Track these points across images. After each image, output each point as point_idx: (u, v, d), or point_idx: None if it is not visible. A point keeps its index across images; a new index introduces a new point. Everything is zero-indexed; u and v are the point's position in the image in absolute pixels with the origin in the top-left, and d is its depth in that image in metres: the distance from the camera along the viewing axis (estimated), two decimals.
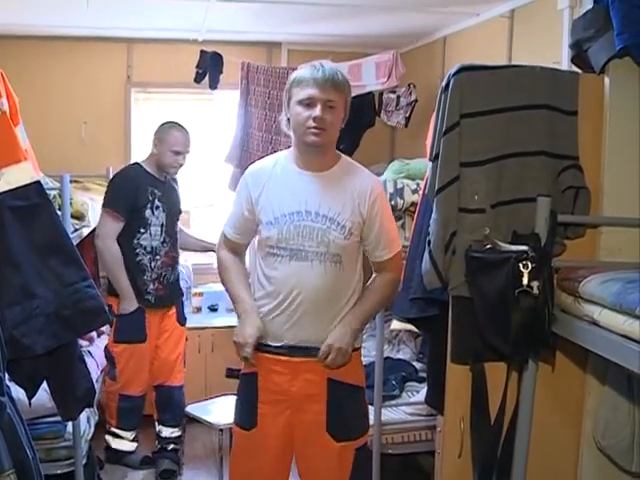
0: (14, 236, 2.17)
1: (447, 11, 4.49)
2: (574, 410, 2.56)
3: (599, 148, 2.44)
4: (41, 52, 5.52)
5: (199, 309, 5.72)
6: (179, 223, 4.51)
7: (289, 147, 2.69)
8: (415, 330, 3.19)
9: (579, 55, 2.57)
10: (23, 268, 2.17)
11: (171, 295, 4.38)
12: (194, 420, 4.35)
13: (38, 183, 2.25)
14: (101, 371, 4.43)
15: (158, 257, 4.24)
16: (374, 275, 2.75)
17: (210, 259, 5.91)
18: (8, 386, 1.94)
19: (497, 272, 2.14)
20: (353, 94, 4.73)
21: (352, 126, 4.97)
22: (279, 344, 2.60)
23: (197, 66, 5.33)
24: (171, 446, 4.55)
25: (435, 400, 2.75)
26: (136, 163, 4.37)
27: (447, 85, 2.37)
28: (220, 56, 5.30)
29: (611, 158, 2.42)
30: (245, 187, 2.69)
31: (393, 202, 3.65)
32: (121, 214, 4.08)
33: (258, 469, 2.70)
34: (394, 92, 5.04)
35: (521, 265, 2.08)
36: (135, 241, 4.15)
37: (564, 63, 3.28)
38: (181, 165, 4.34)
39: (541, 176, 2.36)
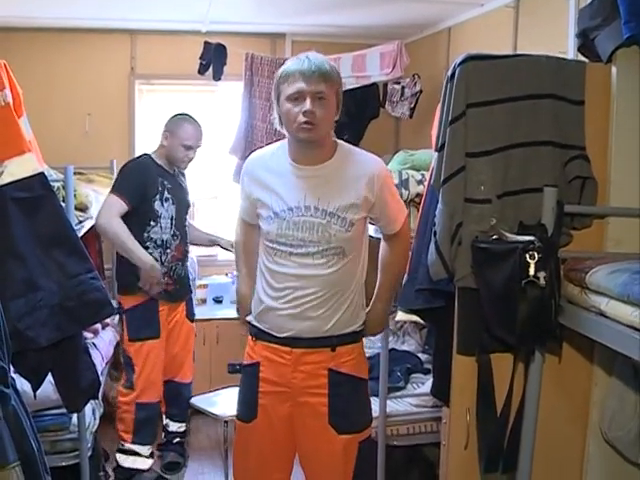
0: (18, 228, 2.17)
1: (452, 1, 4.48)
2: (580, 401, 2.55)
3: (606, 138, 2.42)
4: (45, 44, 5.51)
5: (204, 301, 5.73)
6: (187, 217, 4.41)
7: None
8: (420, 321, 3.17)
9: (585, 44, 2.55)
10: (27, 260, 2.17)
11: (180, 290, 4.27)
12: (199, 412, 4.36)
13: (42, 175, 2.25)
14: (106, 363, 4.43)
15: (169, 251, 4.13)
16: (385, 244, 2.78)
17: (214, 251, 5.94)
18: (13, 378, 1.93)
19: (503, 263, 2.13)
20: (357, 85, 4.76)
21: (356, 117, 5.03)
22: (282, 335, 2.59)
23: (201, 57, 5.32)
24: (177, 439, 4.53)
25: (441, 392, 2.74)
26: (146, 154, 4.23)
27: (453, 75, 2.36)
28: (224, 47, 5.29)
29: (618, 148, 2.41)
30: (244, 182, 2.72)
31: (398, 193, 3.64)
32: (127, 198, 3.90)
33: (259, 461, 2.71)
34: (398, 83, 5.03)
35: (527, 256, 2.07)
36: (145, 234, 4.02)
37: (570, 53, 3.27)
38: (191, 159, 4.29)
39: (547, 166, 2.35)
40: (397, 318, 3.12)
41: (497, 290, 2.20)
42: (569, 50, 3.31)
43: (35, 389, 2.34)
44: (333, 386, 2.59)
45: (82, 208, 3.75)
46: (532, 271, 2.06)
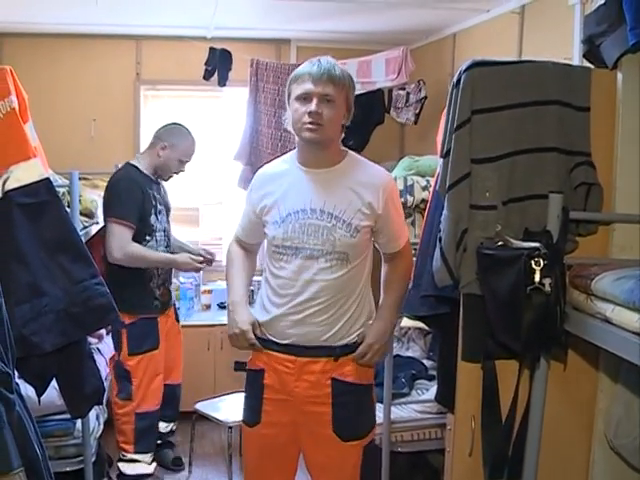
0: (23, 233, 2.17)
1: (457, 7, 4.48)
2: (586, 409, 2.54)
3: (611, 144, 2.42)
4: (51, 50, 5.54)
5: (208, 307, 5.73)
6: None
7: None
8: (425, 328, 3.18)
9: (591, 50, 2.55)
10: (32, 266, 2.17)
11: (170, 297, 4.26)
12: (203, 417, 4.36)
13: (47, 180, 2.25)
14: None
15: (164, 236, 4.11)
16: (387, 265, 2.76)
17: (219, 256, 5.93)
18: (17, 384, 1.93)
19: (509, 269, 2.13)
20: (363, 91, 4.77)
21: (361, 123, 5.02)
22: (286, 342, 2.59)
23: (206, 63, 5.34)
24: (170, 438, 4.59)
25: (445, 398, 2.74)
26: (130, 164, 4.08)
27: (458, 81, 2.36)
28: (229, 53, 5.30)
29: (623, 154, 2.40)
30: (250, 191, 2.73)
31: (403, 199, 3.64)
32: (132, 222, 3.83)
33: (263, 464, 2.73)
34: (404, 89, 5.04)
35: (533, 262, 2.07)
36: None
37: (575, 59, 3.27)
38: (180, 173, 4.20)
39: (553, 173, 2.35)
40: (402, 324, 3.12)
41: (502, 297, 2.19)
42: (574, 56, 3.31)
43: (39, 394, 2.34)
44: (337, 396, 2.58)
45: (87, 213, 3.75)
46: (537, 278, 2.06)
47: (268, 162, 2.81)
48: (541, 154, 2.36)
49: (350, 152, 2.66)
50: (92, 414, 3.52)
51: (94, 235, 3.91)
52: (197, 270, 4.26)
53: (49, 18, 4.97)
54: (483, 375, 2.40)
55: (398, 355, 4.44)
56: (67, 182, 3.26)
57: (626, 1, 2.25)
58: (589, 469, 2.55)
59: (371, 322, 2.67)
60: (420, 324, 2.98)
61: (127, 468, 4.13)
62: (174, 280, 4.33)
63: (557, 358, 2.36)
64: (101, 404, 3.41)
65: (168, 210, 4.21)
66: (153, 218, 3.98)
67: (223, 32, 5.42)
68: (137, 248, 3.84)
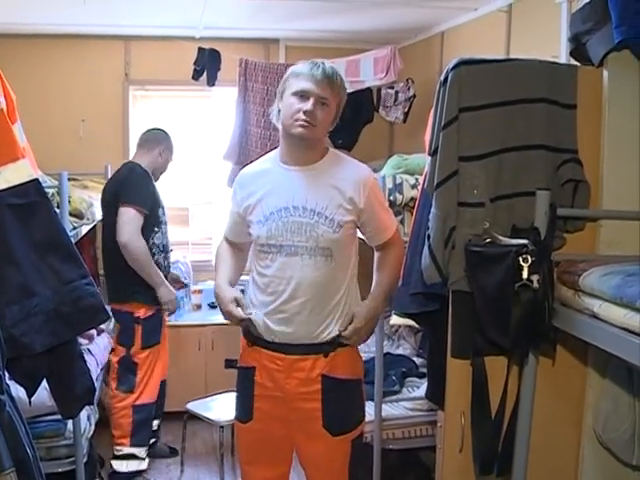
0: (13, 234, 2.16)
1: (445, 6, 4.49)
2: (575, 404, 2.56)
3: (598, 141, 2.43)
4: (39, 50, 5.52)
5: (199, 306, 5.73)
6: None
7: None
8: (415, 325, 3.18)
9: (577, 48, 2.56)
10: (22, 266, 2.17)
11: None
12: (194, 417, 4.36)
13: (36, 181, 2.24)
14: (101, 369, 4.42)
15: (169, 255, 4.35)
16: (378, 253, 2.78)
17: (209, 256, 5.94)
18: (8, 384, 1.93)
19: (497, 266, 2.14)
20: (351, 90, 4.77)
21: (350, 122, 5.04)
22: (274, 340, 2.60)
23: (195, 63, 5.34)
24: (159, 434, 4.70)
25: (436, 395, 2.75)
26: (134, 163, 4.27)
27: (445, 79, 2.37)
28: (218, 53, 5.31)
29: (610, 151, 2.42)
30: (234, 193, 2.76)
31: (392, 197, 3.65)
32: (145, 209, 4.05)
33: (257, 458, 2.75)
34: (392, 87, 5.05)
35: (521, 259, 2.08)
36: (151, 241, 4.15)
37: (562, 57, 3.28)
38: None
39: (540, 170, 2.36)
40: (392, 322, 3.13)
41: (490, 293, 2.20)
42: (561, 54, 3.33)
43: (30, 395, 2.33)
44: (327, 391, 2.60)
45: (77, 214, 3.75)
46: (525, 274, 2.07)
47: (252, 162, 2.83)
48: (528, 151, 2.37)
49: (331, 149, 2.69)
50: (83, 415, 3.52)
51: (84, 236, 3.91)
52: (171, 312, 4.36)
53: (37, 19, 4.95)
54: (472, 371, 2.41)
55: (389, 353, 4.45)
56: (56, 183, 3.25)
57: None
58: (578, 464, 2.57)
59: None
60: (410, 322, 2.98)
61: (120, 465, 4.19)
62: (173, 291, 4.36)
63: (546, 354, 2.37)
64: (92, 404, 3.42)
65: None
66: (160, 211, 4.24)
67: (212, 32, 5.41)
68: (142, 246, 4.02)
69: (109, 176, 5.23)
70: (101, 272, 4.59)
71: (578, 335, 2.08)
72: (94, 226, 4.31)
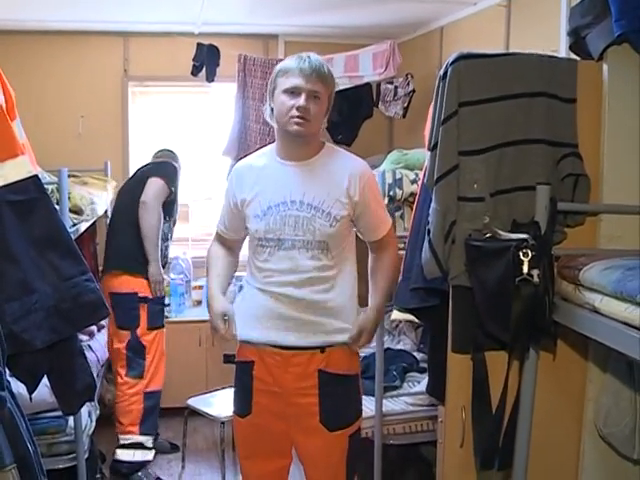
0: (12, 231, 2.16)
1: (444, 0, 4.48)
2: (575, 398, 2.56)
3: (598, 135, 2.43)
4: (38, 47, 5.51)
5: (199, 302, 5.72)
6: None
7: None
8: (415, 321, 3.18)
9: (577, 42, 2.56)
10: (22, 263, 2.17)
11: None
12: (195, 413, 4.36)
13: (36, 177, 2.24)
14: (102, 366, 4.43)
15: (168, 245, 4.51)
16: (373, 255, 2.77)
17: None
18: (8, 381, 1.93)
19: (497, 261, 2.14)
20: (350, 85, 4.77)
21: (350, 117, 5.04)
22: (271, 339, 2.61)
23: (194, 59, 5.33)
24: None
25: (436, 390, 2.75)
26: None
27: (445, 74, 2.37)
28: (217, 49, 5.30)
29: (610, 145, 2.41)
30: (230, 186, 2.76)
31: (392, 192, 3.65)
32: (170, 188, 4.31)
33: (256, 453, 2.75)
34: (392, 83, 5.05)
35: (521, 253, 2.08)
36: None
37: (562, 51, 3.28)
38: None
39: (540, 164, 2.36)
40: (392, 317, 3.13)
41: (491, 288, 2.20)
42: (561, 48, 3.32)
43: (31, 392, 2.33)
44: (323, 386, 2.60)
45: (76, 210, 3.75)
46: (526, 269, 2.07)
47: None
48: (528, 146, 2.37)
49: (327, 144, 2.70)
50: (84, 411, 3.51)
51: (83, 232, 3.91)
52: (158, 294, 4.38)
53: (36, 15, 4.94)
54: (473, 366, 2.42)
55: (389, 348, 4.44)
56: (56, 179, 3.25)
57: None
58: (579, 458, 2.57)
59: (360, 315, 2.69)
60: (411, 317, 2.98)
61: (126, 455, 4.22)
62: (165, 276, 4.50)
63: (546, 349, 2.38)
64: (93, 401, 3.43)
65: None
66: (175, 207, 4.47)
67: (211, 28, 5.40)
68: (158, 214, 4.25)
69: (109, 172, 5.26)
70: (101, 268, 4.61)
71: (579, 330, 2.08)
72: (94, 222, 4.31)
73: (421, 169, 3.19)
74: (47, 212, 2.26)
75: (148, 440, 4.30)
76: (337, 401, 2.63)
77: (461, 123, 2.34)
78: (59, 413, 3.23)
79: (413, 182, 3.70)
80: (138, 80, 5.82)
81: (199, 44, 5.31)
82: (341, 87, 4.10)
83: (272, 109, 2.59)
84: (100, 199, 4.39)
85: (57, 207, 2.86)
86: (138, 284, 4.22)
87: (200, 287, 5.73)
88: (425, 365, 4.00)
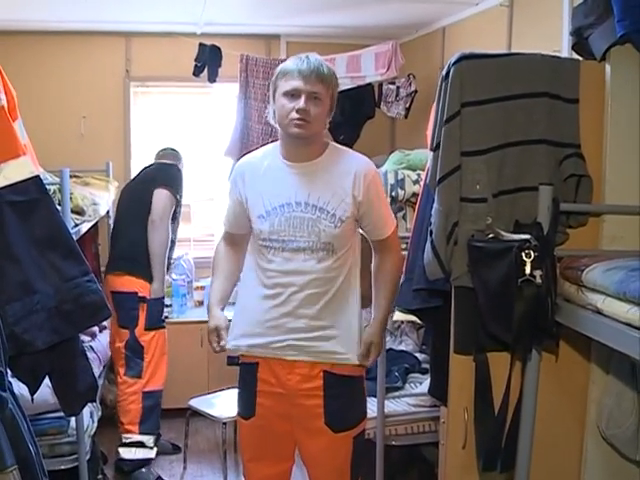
0: (14, 231, 2.16)
1: (446, 1, 4.48)
2: (578, 399, 2.55)
3: (600, 136, 2.43)
4: (39, 47, 5.51)
5: (201, 303, 5.71)
6: None
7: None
8: (417, 321, 3.18)
9: (580, 43, 2.56)
10: (23, 263, 2.17)
11: None
12: (197, 414, 4.36)
13: (38, 178, 2.24)
14: (104, 366, 4.43)
15: (174, 245, 4.52)
16: (377, 257, 2.76)
17: (210, 253, 5.93)
18: (10, 382, 1.93)
19: (499, 261, 2.13)
20: (353, 85, 4.77)
21: (352, 117, 5.04)
22: (274, 339, 2.60)
23: (196, 59, 5.32)
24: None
25: (438, 391, 2.75)
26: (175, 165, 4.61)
27: (447, 74, 2.36)
28: (219, 49, 5.29)
29: (613, 146, 2.41)
30: (234, 184, 2.74)
31: (394, 193, 3.64)
32: (176, 196, 4.35)
33: (259, 455, 2.74)
34: (393, 83, 5.05)
35: (523, 254, 2.07)
36: None
37: (564, 51, 3.27)
38: None
39: (543, 164, 2.35)
40: (394, 318, 3.12)
41: (493, 289, 2.20)
42: (563, 48, 3.32)
43: (32, 393, 2.33)
44: (328, 388, 2.60)
45: (78, 211, 3.75)
46: (528, 270, 2.06)
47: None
48: (531, 146, 2.36)
49: (331, 143, 2.67)
50: (86, 412, 3.51)
51: (85, 233, 3.91)
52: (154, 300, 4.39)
53: (38, 15, 4.94)
54: (475, 367, 2.41)
55: (391, 349, 4.44)
56: (58, 180, 3.25)
57: None
58: (582, 459, 2.57)
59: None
60: (413, 318, 2.98)
61: (128, 453, 4.25)
62: (166, 277, 4.55)
63: (549, 350, 2.37)
64: (95, 401, 3.42)
65: None
66: (180, 209, 4.47)
67: (213, 28, 5.40)
68: (168, 232, 4.30)
69: (110, 172, 5.26)
70: (103, 269, 4.63)
71: (581, 331, 2.08)
72: (96, 223, 4.32)
73: (423, 169, 3.19)
74: (49, 212, 2.26)
75: (149, 439, 4.31)
76: (342, 402, 2.63)
77: (463, 123, 2.33)
78: (61, 414, 3.23)
79: (415, 182, 3.69)
80: (140, 80, 5.82)
81: (201, 44, 5.31)
82: (343, 87, 4.09)
83: (274, 111, 2.58)
84: (102, 199, 4.39)
85: (59, 207, 2.87)
86: (139, 284, 4.24)
87: (202, 288, 5.73)
88: (427, 366, 4.00)
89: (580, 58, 2.58)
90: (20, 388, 2.25)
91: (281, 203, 2.56)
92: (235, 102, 5.30)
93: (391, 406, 3.81)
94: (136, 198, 4.34)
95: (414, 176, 3.75)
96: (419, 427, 3.81)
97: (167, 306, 4.72)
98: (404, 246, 2.88)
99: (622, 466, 2.47)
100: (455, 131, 2.34)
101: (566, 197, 2.35)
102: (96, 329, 4.48)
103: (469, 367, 2.43)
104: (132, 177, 4.75)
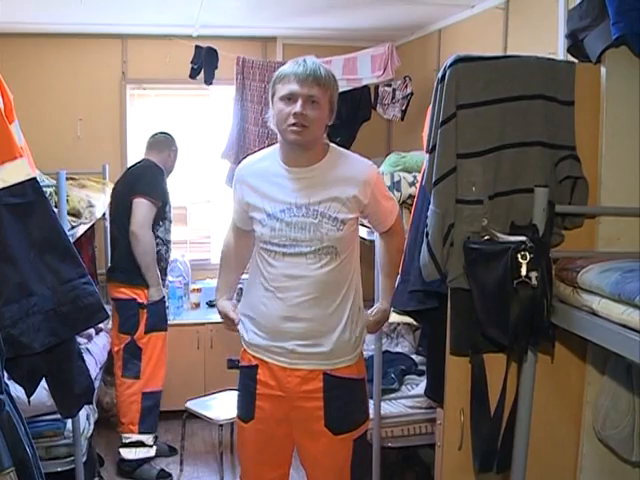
0: (11, 233, 2.16)
1: (442, 3, 4.49)
2: (574, 401, 2.56)
3: (596, 138, 2.43)
4: (36, 49, 5.52)
5: (197, 305, 5.72)
6: None
7: None
8: (414, 323, 3.19)
9: (575, 45, 2.56)
10: (20, 265, 2.16)
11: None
12: (193, 416, 4.36)
13: (34, 180, 2.24)
14: (100, 369, 4.43)
15: (170, 247, 4.51)
16: (381, 241, 2.86)
17: (207, 255, 5.94)
18: (7, 384, 1.93)
19: (495, 263, 2.13)
20: (349, 88, 4.78)
21: (348, 120, 5.05)
22: (275, 344, 2.61)
23: (192, 61, 5.33)
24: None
25: (435, 393, 2.75)
26: (151, 160, 4.49)
27: (443, 76, 2.36)
28: (215, 51, 5.30)
29: (608, 148, 2.41)
30: (235, 189, 2.75)
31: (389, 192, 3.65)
32: (158, 203, 4.27)
33: (257, 458, 2.75)
34: (390, 85, 5.05)
35: (519, 256, 2.07)
36: (155, 234, 4.31)
37: (560, 53, 3.28)
38: None
39: (538, 166, 2.35)
40: (391, 320, 3.13)
41: (489, 290, 2.20)
42: (559, 51, 3.33)
43: (29, 395, 2.33)
44: (328, 390, 2.60)
45: (75, 213, 3.75)
46: (524, 271, 2.07)
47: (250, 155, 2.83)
48: (527, 148, 2.36)
49: (332, 146, 2.66)
50: (82, 414, 3.51)
51: (82, 235, 3.91)
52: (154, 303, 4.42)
53: (34, 18, 4.94)
54: (471, 369, 2.41)
55: (387, 351, 4.45)
56: (54, 182, 3.25)
57: None
58: (578, 461, 2.57)
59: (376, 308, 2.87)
60: (409, 319, 2.99)
61: (129, 453, 4.32)
62: (167, 278, 4.65)
63: (545, 351, 2.37)
64: (91, 403, 3.42)
65: None
66: (168, 207, 4.43)
67: (209, 30, 5.41)
68: (149, 239, 4.24)
69: (107, 175, 5.26)
70: (99, 271, 4.63)
71: (577, 332, 2.08)
72: (92, 225, 4.32)
73: (419, 172, 3.19)
74: (46, 215, 2.26)
75: (148, 438, 4.36)
76: (342, 405, 2.63)
77: (459, 125, 2.33)
78: (57, 416, 3.24)
79: (411, 184, 3.70)
80: (136, 83, 5.83)
81: (197, 46, 5.32)
82: (339, 90, 4.11)
83: (274, 115, 2.57)
84: (98, 202, 4.40)
85: (55, 210, 2.87)
86: (136, 292, 4.29)
87: (199, 290, 5.73)
88: (423, 368, 4.01)
89: (575, 60, 2.58)
90: (17, 390, 2.25)
91: (282, 207, 2.55)
92: (232, 104, 5.30)
93: (387, 408, 3.82)
94: (120, 206, 4.34)
95: (410, 178, 3.76)
96: (415, 429, 3.82)
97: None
98: (404, 227, 2.92)
99: (618, 467, 2.48)
100: (451, 133, 2.34)
101: (562, 199, 2.35)
102: (92, 331, 4.49)
103: (465, 368, 2.43)
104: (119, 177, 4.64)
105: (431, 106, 2.47)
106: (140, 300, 4.27)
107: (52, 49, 5.56)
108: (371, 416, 3.55)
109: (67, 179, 3.40)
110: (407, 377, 4.21)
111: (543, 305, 2.10)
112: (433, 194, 2.38)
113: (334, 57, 4.80)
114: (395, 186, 3.70)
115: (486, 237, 2.28)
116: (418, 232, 2.64)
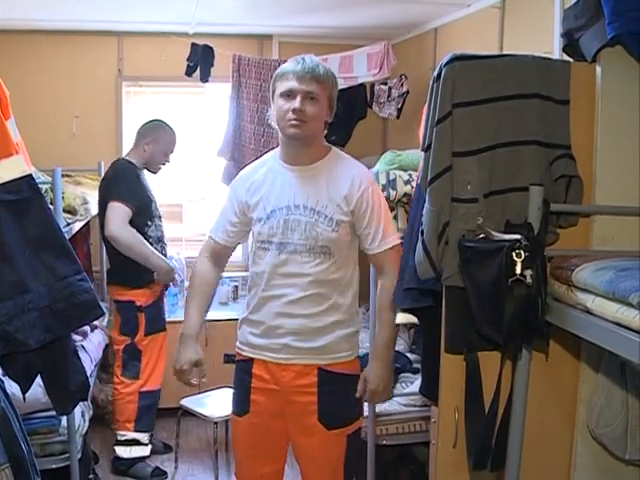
0: (6, 230, 2.16)
1: (438, 2, 4.50)
2: (568, 399, 2.56)
3: (591, 137, 2.44)
4: (32, 46, 5.51)
5: None
6: None
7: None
8: (410, 322, 3.18)
9: (571, 44, 2.56)
10: (15, 262, 2.16)
11: None
12: (188, 413, 4.37)
13: (30, 177, 2.24)
14: (95, 365, 4.43)
15: (164, 245, 4.48)
16: (378, 282, 2.79)
17: None
18: (2, 381, 1.93)
19: (490, 261, 2.14)
20: (345, 86, 4.79)
21: (344, 118, 5.05)
22: (270, 341, 2.61)
23: (188, 59, 5.33)
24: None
25: (429, 390, 2.75)
26: (124, 159, 4.41)
27: (439, 75, 2.37)
28: (211, 49, 5.30)
29: (603, 147, 2.42)
30: (234, 192, 2.76)
31: (386, 193, 3.64)
32: (130, 203, 4.14)
33: (252, 453, 2.77)
34: (385, 84, 5.06)
35: (514, 254, 2.08)
36: (145, 235, 4.26)
37: (556, 52, 3.29)
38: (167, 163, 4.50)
39: (533, 165, 2.36)
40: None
41: (484, 288, 2.20)
42: (555, 50, 3.33)
43: (24, 392, 2.33)
44: (322, 384, 2.62)
45: (70, 210, 3.75)
46: (519, 269, 2.07)
47: (251, 158, 2.85)
48: (522, 147, 2.37)
49: (334, 148, 2.70)
50: (77, 411, 3.51)
51: (77, 232, 3.92)
52: (172, 282, 4.53)
53: (30, 15, 4.94)
54: (466, 367, 2.42)
55: None
56: (50, 179, 3.25)
57: None
58: (572, 458, 2.58)
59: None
60: (405, 319, 2.98)
61: (124, 451, 4.32)
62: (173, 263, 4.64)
63: (539, 349, 2.38)
64: (86, 400, 3.42)
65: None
66: (153, 205, 4.35)
67: (205, 28, 5.41)
68: (130, 234, 4.12)
69: (102, 172, 5.27)
70: (94, 268, 4.62)
71: (571, 330, 2.09)
72: (87, 222, 4.32)
73: (415, 170, 3.19)
74: (41, 211, 2.26)
75: (144, 437, 4.37)
76: (336, 400, 2.65)
77: (455, 124, 2.34)
78: (52, 413, 3.24)
79: (407, 183, 3.70)
80: (132, 80, 5.82)
81: (193, 44, 5.31)
82: None
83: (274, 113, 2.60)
84: (94, 199, 4.39)
85: (51, 207, 2.87)
86: (134, 293, 4.29)
87: None
88: (418, 366, 4.01)
89: (571, 60, 2.59)
90: (12, 387, 2.25)
91: (280, 206, 2.59)
92: (227, 102, 5.30)
93: (382, 405, 3.82)
94: (102, 212, 4.25)
95: (406, 176, 3.76)
96: (410, 427, 3.82)
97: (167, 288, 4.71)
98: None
99: (612, 465, 2.48)
100: (446, 132, 2.34)
101: (557, 197, 2.36)
102: (88, 329, 4.48)
103: (460, 366, 2.44)
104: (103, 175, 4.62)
105: (427, 104, 2.47)
106: (138, 303, 4.27)
107: (48, 46, 5.56)
108: (366, 414, 3.56)
109: (63, 176, 3.41)
110: (402, 375, 4.21)
111: (538, 303, 2.11)
112: (428, 192, 2.38)
113: (330, 55, 4.80)
114: (390, 184, 3.70)
115: (481, 235, 2.28)
116: (414, 231, 2.64)
